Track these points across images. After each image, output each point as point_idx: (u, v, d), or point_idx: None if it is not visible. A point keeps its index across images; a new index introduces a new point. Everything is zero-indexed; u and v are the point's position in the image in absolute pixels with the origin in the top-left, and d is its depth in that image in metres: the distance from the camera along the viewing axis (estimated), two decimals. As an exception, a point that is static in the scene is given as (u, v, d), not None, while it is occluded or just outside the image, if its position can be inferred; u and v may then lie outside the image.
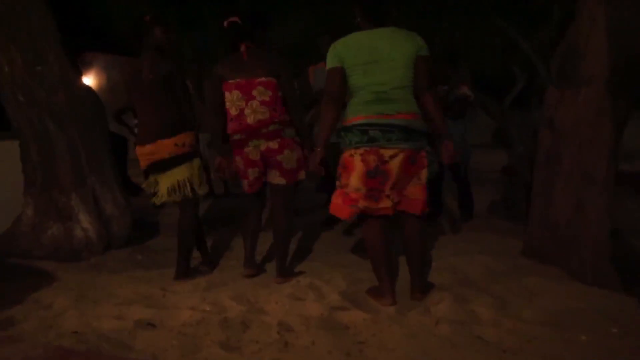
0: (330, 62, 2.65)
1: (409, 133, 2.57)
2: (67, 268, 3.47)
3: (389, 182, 2.61)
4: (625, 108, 3.03)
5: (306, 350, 2.24)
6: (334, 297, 2.77)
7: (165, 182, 3.18)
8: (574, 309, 2.57)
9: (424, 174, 2.66)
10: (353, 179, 2.64)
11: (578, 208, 3.08)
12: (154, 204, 3.27)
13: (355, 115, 2.62)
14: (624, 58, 2.93)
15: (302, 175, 3.18)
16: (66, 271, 3.41)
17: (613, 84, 2.95)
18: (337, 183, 2.74)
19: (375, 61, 2.57)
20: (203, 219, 4.21)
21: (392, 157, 2.58)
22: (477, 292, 2.81)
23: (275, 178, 3.11)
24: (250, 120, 3.02)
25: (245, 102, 3.03)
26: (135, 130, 4.36)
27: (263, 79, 3.02)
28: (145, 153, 3.16)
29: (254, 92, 3.02)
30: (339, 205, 2.71)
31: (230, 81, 3.06)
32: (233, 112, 3.07)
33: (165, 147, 3.10)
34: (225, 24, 3.13)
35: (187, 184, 3.17)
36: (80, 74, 5.23)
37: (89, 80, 6.95)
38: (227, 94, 3.09)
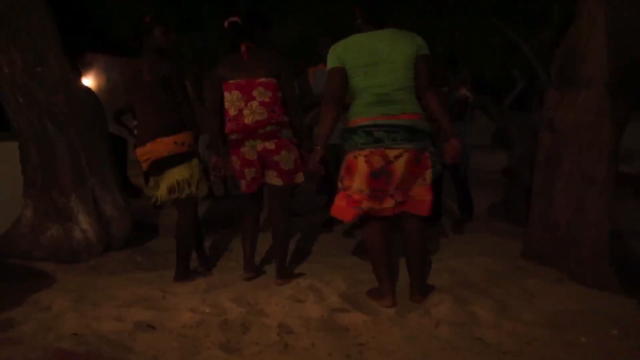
0: (331, 62, 2.65)
1: (413, 133, 2.57)
2: (66, 269, 3.47)
3: (393, 182, 2.61)
4: (625, 109, 3.03)
5: (306, 352, 2.24)
6: (334, 298, 2.77)
7: (165, 182, 3.18)
8: (574, 310, 2.58)
9: (428, 174, 2.66)
10: (356, 181, 2.64)
11: (578, 209, 3.08)
12: (154, 204, 3.27)
13: (359, 116, 2.62)
14: (624, 59, 2.93)
15: (300, 177, 3.17)
16: (66, 272, 3.41)
17: (613, 85, 2.95)
18: (340, 185, 2.74)
19: (375, 63, 2.58)
20: (203, 220, 4.22)
21: (397, 157, 2.58)
22: (477, 294, 2.81)
23: (273, 179, 3.11)
24: (247, 120, 3.02)
25: (245, 103, 3.03)
26: (135, 132, 4.36)
27: (263, 79, 3.02)
28: (145, 152, 3.17)
29: (254, 93, 3.02)
30: (342, 208, 2.71)
31: (230, 81, 3.06)
32: (232, 112, 3.07)
33: (164, 145, 3.10)
34: (225, 24, 3.13)
35: (186, 184, 3.17)
36: (79, 75, 5.24)
37: (89, 81, 6.93)
38: (226, 94, 3.09)
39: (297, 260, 3.64)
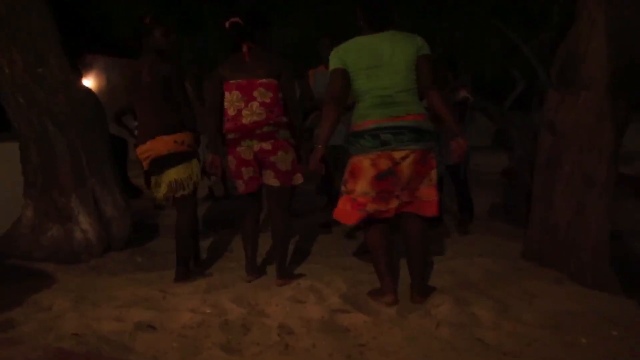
0: (333, 64, 2.66)
1: (419, 133, 2.58)
2: (66, 270, 3.47)
3: (400, 183, 2.62)
4: (626, 110, 3.04)
5: (307, 352, 2.24)
6: (334, 299, 2.77)
7: (164, 181, 3.19)
8: (574, 311, 2.58)
9: (434, 174, 2.67)
10: (361, 184, 2.64)
11: (578, 211, 3.08)
12: (158, 205, 3.28)
13: (365, 120, 2.62)
14: (624, 59, 2.94)
15: (298, 179, 3.17)
16: (66, 273, 3.41)
17: (613, 86, 2.95)
18: (343, 188, 2.74)
19: (377, 65, 2.58)
20: (203, 221, 4.22)
21: (403, 158, 2.58)
22: (478, 294, 2.81)
23: (270, 179, 3.11)
24: (245, 120, 3.02)
25: (245, 103, 3.03)
26: (136, 132, 4.37)
27: (264, 80, 3.03)
28: (145, 150, 3.17)
29: (255, 93, 3.02)
30: (345, 211, 2.71)
31: (231, 81, 3.06)
32: (231, 112, 3.07)
33: (164, 143, 3.11)
34: (227, 24, 3.13)
35: (185, 184, 3.17)
36: (80, 76, 5.24)
37: (89, 81, 6.94)
38: (226, 94, 3.09)
39: (298, 261, 3.64)
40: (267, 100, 3.02)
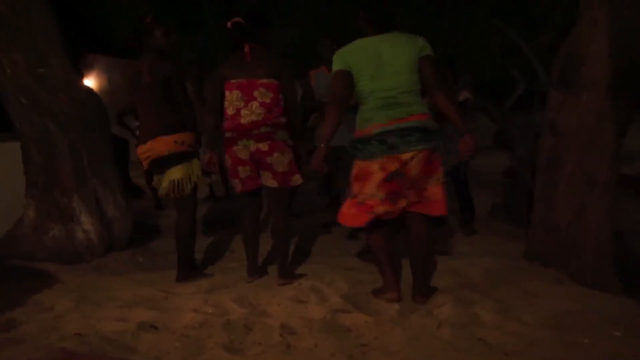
0: (336, 65, 2.67)
1: (426, 133, 2.59)
2: (68, 270, 3.47)
3: (407, 183, 2.63)
4: (627, 111, 3.04)
5: (309, 352, 2.24)
6: (336, 299, 2.77)
7: (165, 181, 3.20)
8: (576, 311, 2.58)
9: (441, 172, 2.68)
10: (368, 187, 2.65)
11: (579, 211, 3.09)
12: (159, 206, 3.28)
13: (370, 124, 2.62)
14: (625, 60, 2.94)
15: (297, 180, 3.17)
16: (68, 273, 3.41)
17: (614, 87, 2.96)
18: (348, 192, 2.74)
19: (379, 67, 2.59)
20: (203, 221, 4.22)
21: (411, 158, 2.59)
22: (479, 295, 2.82)
23: (268, 180, 3.12)
24: (244, 120, 3.03)
25: (245, 103, 3.03)
26: (137, 133, 4.37)
27: (265, 80, 3.03)
28: (145, 150, 3.18)
29: (255, 93, 3.03)
30: (351, 215, 2.72)
31: (232, 81, 3.07)
32: (230, 111, 3.08)
33: (164, 143, 3.12)
34: (228, 24, 3.13)
35: (185, 184, 3.18)
36: (81, 76, 5.24)
37: (91, 82, 6.93)
38: (227, 93, 3.10)
39: (299, 261, 3.65)
40: (267, 101, 3.03)
